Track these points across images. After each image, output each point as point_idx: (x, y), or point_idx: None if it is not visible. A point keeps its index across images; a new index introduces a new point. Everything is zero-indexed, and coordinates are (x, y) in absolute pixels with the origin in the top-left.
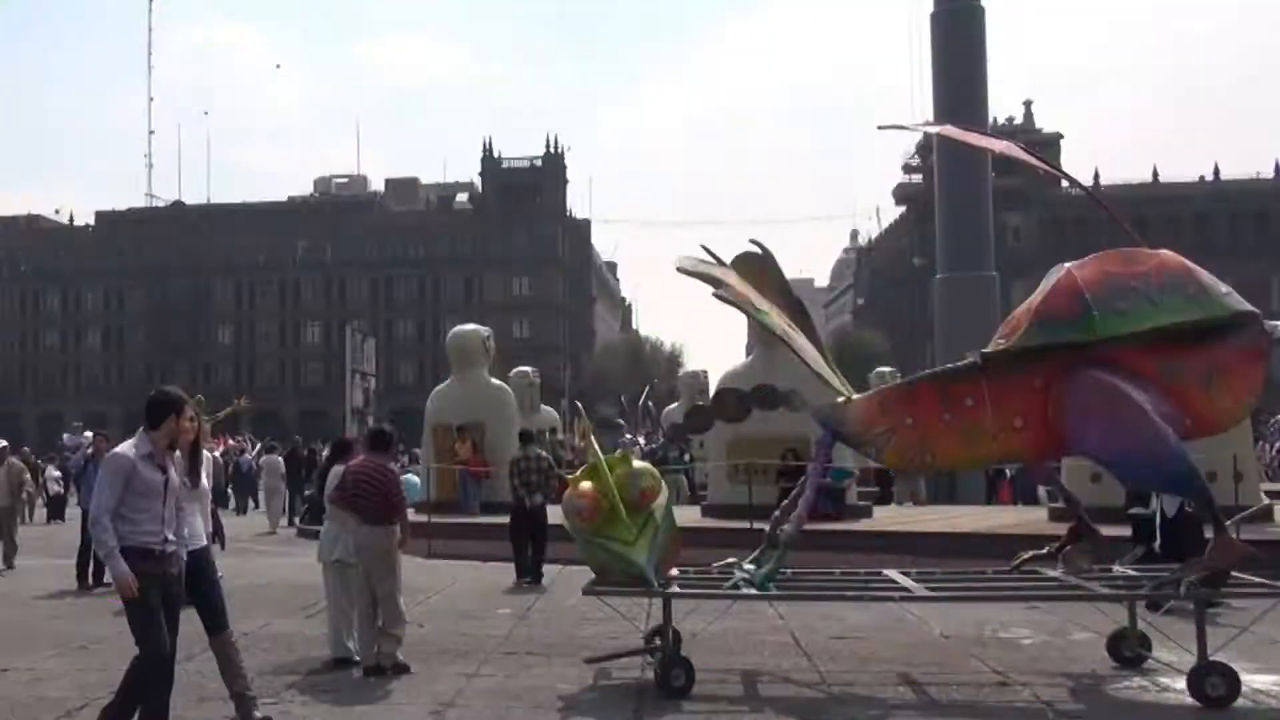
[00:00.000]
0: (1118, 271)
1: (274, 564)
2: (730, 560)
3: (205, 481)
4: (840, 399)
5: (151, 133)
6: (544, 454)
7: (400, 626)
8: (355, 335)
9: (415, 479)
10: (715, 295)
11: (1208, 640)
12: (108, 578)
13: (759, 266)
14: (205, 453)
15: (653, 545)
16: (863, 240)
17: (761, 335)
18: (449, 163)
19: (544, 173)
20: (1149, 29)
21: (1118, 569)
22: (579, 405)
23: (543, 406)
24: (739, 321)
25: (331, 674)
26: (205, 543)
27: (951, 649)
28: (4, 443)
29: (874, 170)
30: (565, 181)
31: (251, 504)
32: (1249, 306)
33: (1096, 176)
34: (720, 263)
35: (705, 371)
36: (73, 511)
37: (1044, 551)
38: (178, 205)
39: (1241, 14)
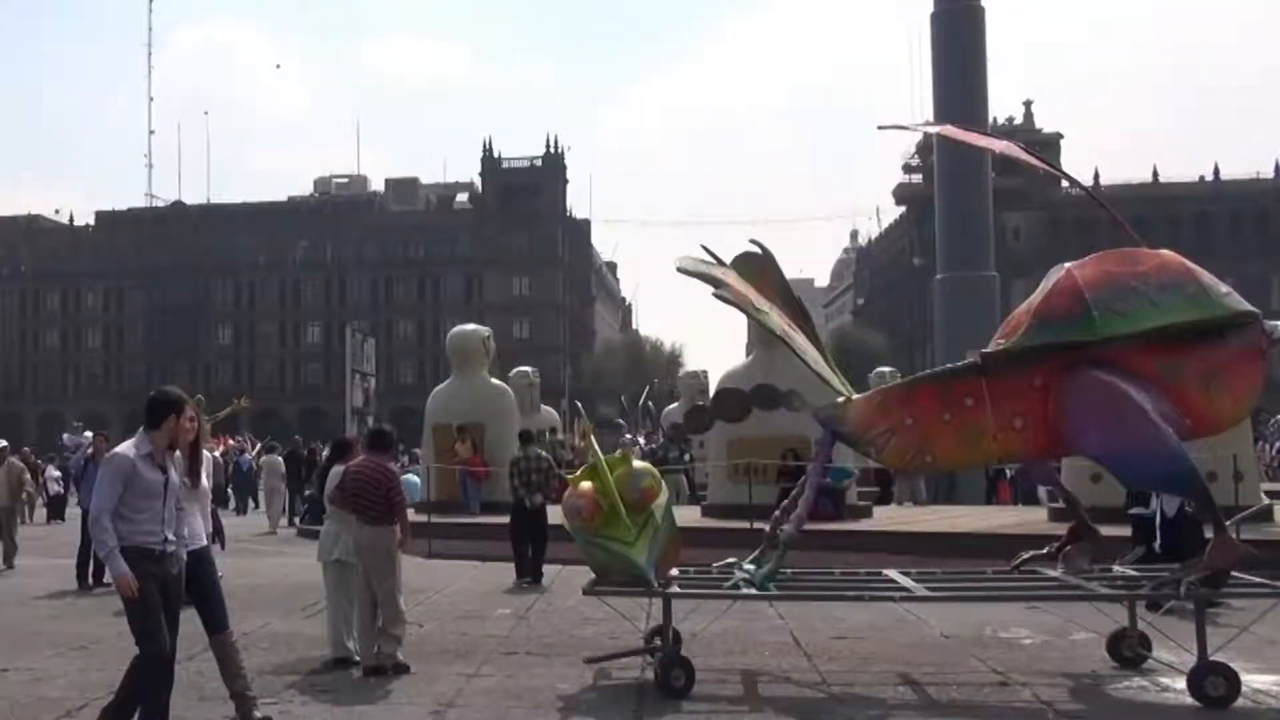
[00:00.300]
0: (1118, 271)
1: (274, 564)
2: (730, 560)
3: (205, 481)
4: (840, 399)
5: (151, 133)
6: (544, 454)
7: (400, 626)
8: (355, 335)
9: (415, 479)
10: (715, 295)
11: (1208, 640)
12: (108, 578)
13: (759, 267)
14: (205, 453)
15: (653, 545)
16: (863, 240)
17: (761, 335)
18: (449, 163)
19: (544, 173)
20: (1149, 29)
21: (1118, 569)
22: (579, 405)
23: (543, 406)
24: (739, 321)
25: (331, 674)
26: (205, 543)
27: (951, 649)
28: (4, 443)
29: (874, 170)
30: (565, 181)
31: (251, 504)
32: (1249, 306)
33: (1096, 176)
34: (720, 263)
35: (705, 371)
36: (73, 511)
37: (1044, 551)
38: (178, 205)
39: (1241, 14)
